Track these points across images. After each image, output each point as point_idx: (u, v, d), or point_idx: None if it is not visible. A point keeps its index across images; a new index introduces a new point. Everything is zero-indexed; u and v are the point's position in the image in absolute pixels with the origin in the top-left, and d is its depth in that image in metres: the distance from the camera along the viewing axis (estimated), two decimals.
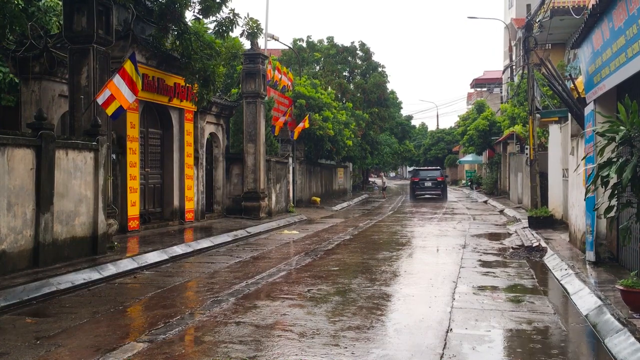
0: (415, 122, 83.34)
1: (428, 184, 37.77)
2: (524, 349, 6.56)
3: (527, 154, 21.83)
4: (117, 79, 12.02)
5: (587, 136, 10.97)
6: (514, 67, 38.30)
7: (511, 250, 14.14)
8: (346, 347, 6.44)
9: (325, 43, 47.11)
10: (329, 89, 37.11)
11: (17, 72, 14.46)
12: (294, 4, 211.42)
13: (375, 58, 49.11)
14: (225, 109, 22.18)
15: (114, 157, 14.59)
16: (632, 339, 6.13)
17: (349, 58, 47.93)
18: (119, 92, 12.01)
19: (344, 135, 32.82)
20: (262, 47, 26.44)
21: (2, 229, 9.47)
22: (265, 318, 7.72)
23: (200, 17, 16.09)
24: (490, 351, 6.47)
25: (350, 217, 25.23)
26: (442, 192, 37.65)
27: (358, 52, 48.39)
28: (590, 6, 10.76)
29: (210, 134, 21.45)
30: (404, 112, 68.99)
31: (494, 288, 9.74)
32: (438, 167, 43.08)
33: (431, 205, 32.89)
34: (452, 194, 46.71)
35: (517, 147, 29.28)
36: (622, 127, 7.01)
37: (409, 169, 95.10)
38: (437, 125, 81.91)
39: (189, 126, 18.99)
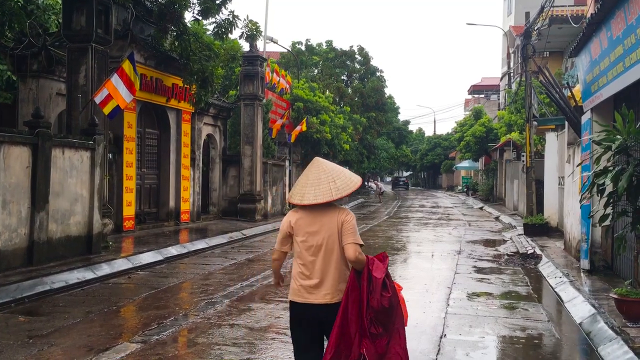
0: (413, 128, 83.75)
1: (400, 182, 75.82)
2: (517, 356, 6.56)
3: (523, 161, 21.87)
4: (115, 79, 12.00)
5: (584, 144, 11.00)
6: (511, 74, 38.39)
7: (506, 257, 14.15)
8: None
9: (324, 47, 47.18)
10: (327, 92, 37.16)
11: (15, 70, 14.45)
12: (294, 7, 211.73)
13: (373, 62, 49.31)
14: (222, 111, 22.17)
15: (111, 157, 14.56)
16: (626, 348, 6.13)
17: (348, 62, 48.00)
18: (117, 91, 11.99)
19: (341, 139, 32.84)
20: (261, 49, 26.41)
21: None
22: (259, 320, 7.71)
23: (200, 18, 16.10)
24: (483, 357, 6.46)
25: None
26: (407, 186, 75.26)
27: (357, 56, 48.47)
28: (589, 15, 10.79)
29: (208, 135, 21.43)
30: (402, 117, 69.08)
31: (489, 294, 9.74)
32: (405, 176, 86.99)
33: (427, 210, 32.93)
34: (448, 199, 46.78)
35: (514, 154, 29.33)
36: (618, 136, 7.03)
37: (405, 174, 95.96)
38: (434, 130, 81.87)
39: (186, 127, 18.97)
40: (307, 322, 4.18)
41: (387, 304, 4.02)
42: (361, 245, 4.11)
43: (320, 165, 4.29)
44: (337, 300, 4.06)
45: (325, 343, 4.11)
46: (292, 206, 4.33)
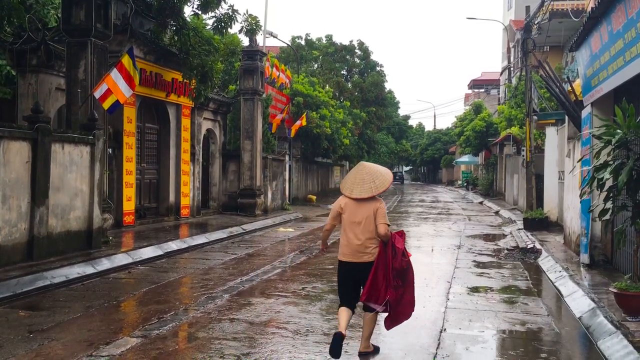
0: (413, 122, 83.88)
1: (397, 177, 77.04)
2: (517, 350, 6.58)
3: (523, 156, 21.86)
4: (114, 73, 11.98)
5: (584, 139, 10.99)
6: (511, 68, 38.34)
7: (506, 251, 14.16)
8: None
9: (324, 41, 47.10)
10: (327, 87, 37.13)
11: (14, 65, 14.41)
12: (293, 1, 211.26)
13: (373, 57, 49.20)
14: (222, 106, 22.14)
15: (110, 152, 14.55)
16: (625, 342, 6.14)
17: (348, 57, 47.93)
18: (116, 86, 11.97)
19: (341, 134, 32.82)
20: (261, 44, 26.39)
21: None
22: (260, 315, 7.72)
23: (199, 12, 16.03)
24: (483, 352, 6.48)
25: None
26: (402, 181, 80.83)
27: (356, 50, 48.40)
28: (589, 9, 10.77)
29: (207, 130, 21.42)
30: (402, 112, 69.18)
31: (488, 289, 9.76)
32: (400, 171, 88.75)
33: (427, 205, 32.95)
34: (448, 194, 46.79)
35: (514, 148, 29.34)
36: (618, 130, 7.02)
37: (405, 168, 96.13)
38: (434, 125, 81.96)
39: (186, 122, 18.95)
40: (347, 274, 6.10)
41: (405, 265, 5.92)
42: (388, 225, 5.94)
43: (364, 169, 6.14)
44: (369, 260, 5.91)
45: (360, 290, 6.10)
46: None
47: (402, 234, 6.09)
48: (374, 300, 5.88)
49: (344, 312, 6.02)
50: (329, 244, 6.63)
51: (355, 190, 6.01)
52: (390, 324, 6.14)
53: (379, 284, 5.85)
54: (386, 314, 6.06)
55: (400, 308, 5.98)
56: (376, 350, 6.15)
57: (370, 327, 6.02)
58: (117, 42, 14.37)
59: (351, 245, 5.99)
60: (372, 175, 6.02)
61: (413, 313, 6.17)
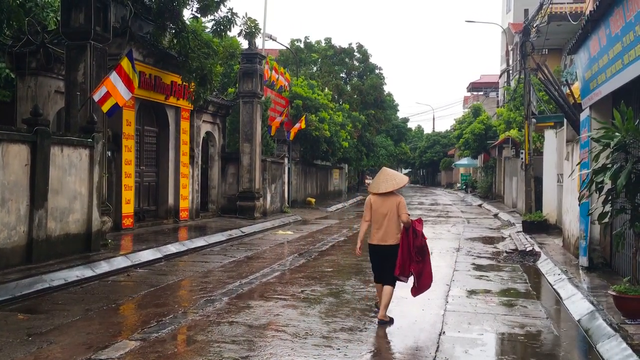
0: (412, 125, 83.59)
1: None
2: (516, 353, 6.58)
3: (522, 159, 21.87)
4: (113, 76, 11.97)
5: (583, 142, 11.00)
6: (510, 71, 38.40)
7: (505, 254, 14.16)
8: (339, 349, 6.44)
9: (323, 44, 47.07)
10: (326, 90, 37.12)
11: (14, 68, 14.41)
12: (293, 4, 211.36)
13: (372, 60, 49.10)
14: (221, 108, 22.15)
15: (110, 155, 14.54)
16: (624, 345, 6.15)
17: (347, 59, 47.89)
18: (115, 89, 11.96)
19: (340, 137, 32.81)
20: (260, 47, 26.40)
21: None
22: (259, 318, 7.71)
23: (199, 15, 16.06)
24: (482, 355, 6.48)
25: (344, 219, 25.23)
26: None
27: (355, 53, 48.36)
28: (587, 12, 10.80)
29: (207, 132, 21.42)
30: (401, 115, 68.91)
31: (487, 292, 9.76)
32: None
33: (425, 208, 32.95)
34: (447, 197, 46.79)
35: (513, 151, 29.35)
36: (617, 134, 7.03)
37: (404, 171, 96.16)
38: (433, 128, 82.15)
39: (185, 125, 18.96)
40: (377, 254, 7.86)
41: (424, 244, 7.73)
42: (408, 215, 7.67)
43: (387, 172, 8.04)
44: (394, 243, 7.64)
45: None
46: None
47: (420, 220, 7.83)
48: (401, 273, 7.52)
49: (379, 287, 7.80)
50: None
51: (382, 187, 7.81)
52: (415, 292, 7.81)
53: (405, 260, 7.50)
54: (412, 286, 7.77)
55: (422, 279, 7.67)
56: (391, 320, 7.55)
57: (388, 297, 7.55)
58: (117, 45, 14.36)
59: (380, 232, 7.72)
60: (392, 176, 7.94)
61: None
